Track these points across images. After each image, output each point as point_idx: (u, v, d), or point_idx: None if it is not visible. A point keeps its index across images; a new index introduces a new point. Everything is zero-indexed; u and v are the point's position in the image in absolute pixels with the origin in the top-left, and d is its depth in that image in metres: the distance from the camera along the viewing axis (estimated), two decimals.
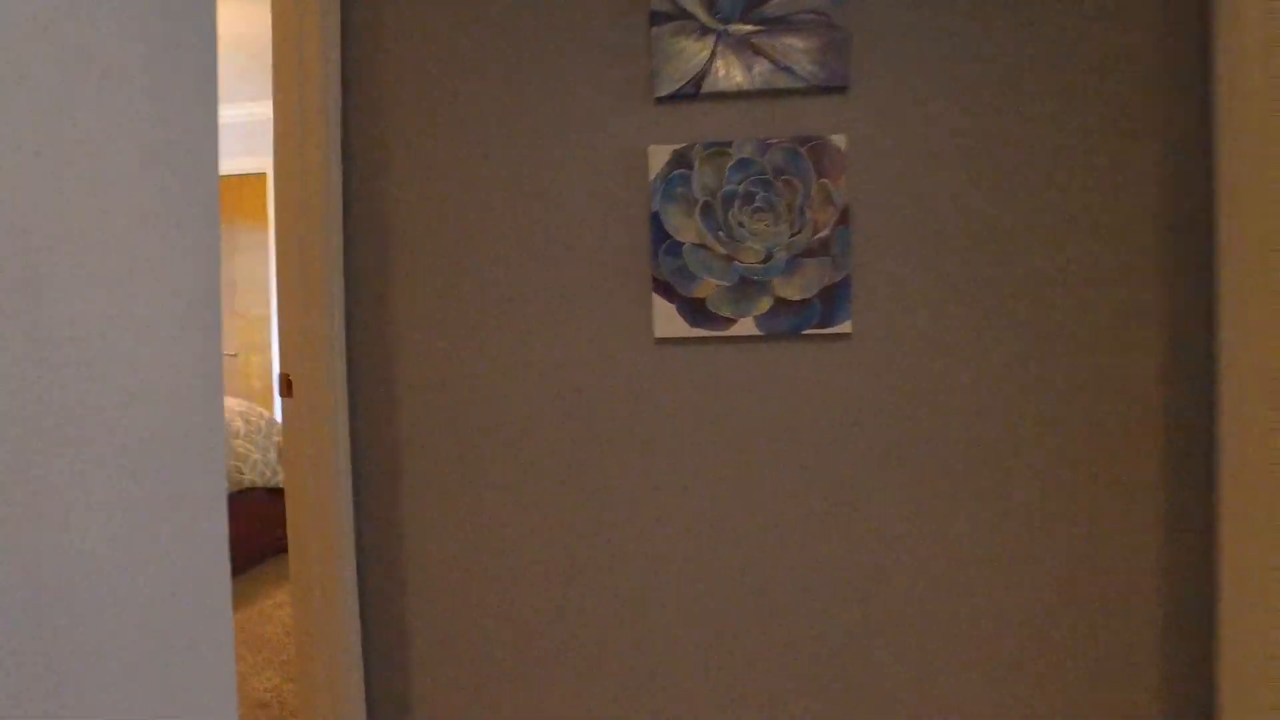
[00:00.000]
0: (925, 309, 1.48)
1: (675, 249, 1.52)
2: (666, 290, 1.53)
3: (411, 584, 1.65)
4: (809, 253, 1.49)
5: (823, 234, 1.48)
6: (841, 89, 1.49)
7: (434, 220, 1.62)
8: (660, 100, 1.54)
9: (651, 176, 1.52)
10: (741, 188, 1.50)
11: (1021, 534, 1.48)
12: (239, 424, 3.52)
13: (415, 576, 1.65)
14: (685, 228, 1.52)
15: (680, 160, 1.51)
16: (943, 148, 1.47)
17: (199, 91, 0.55)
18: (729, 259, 1.51)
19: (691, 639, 1.56)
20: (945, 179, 1.47)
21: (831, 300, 1.48)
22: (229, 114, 4.83)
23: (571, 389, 1.58)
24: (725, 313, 1.51)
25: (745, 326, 1.51)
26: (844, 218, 1.47)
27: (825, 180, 1.48)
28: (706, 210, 1.51)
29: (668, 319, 1.53)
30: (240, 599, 2.91)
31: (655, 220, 1.53)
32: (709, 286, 1.52)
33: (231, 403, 3.65)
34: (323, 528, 1.60)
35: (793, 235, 1.49)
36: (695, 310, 1.52)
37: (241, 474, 3.42)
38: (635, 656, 1.58)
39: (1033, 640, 1.48)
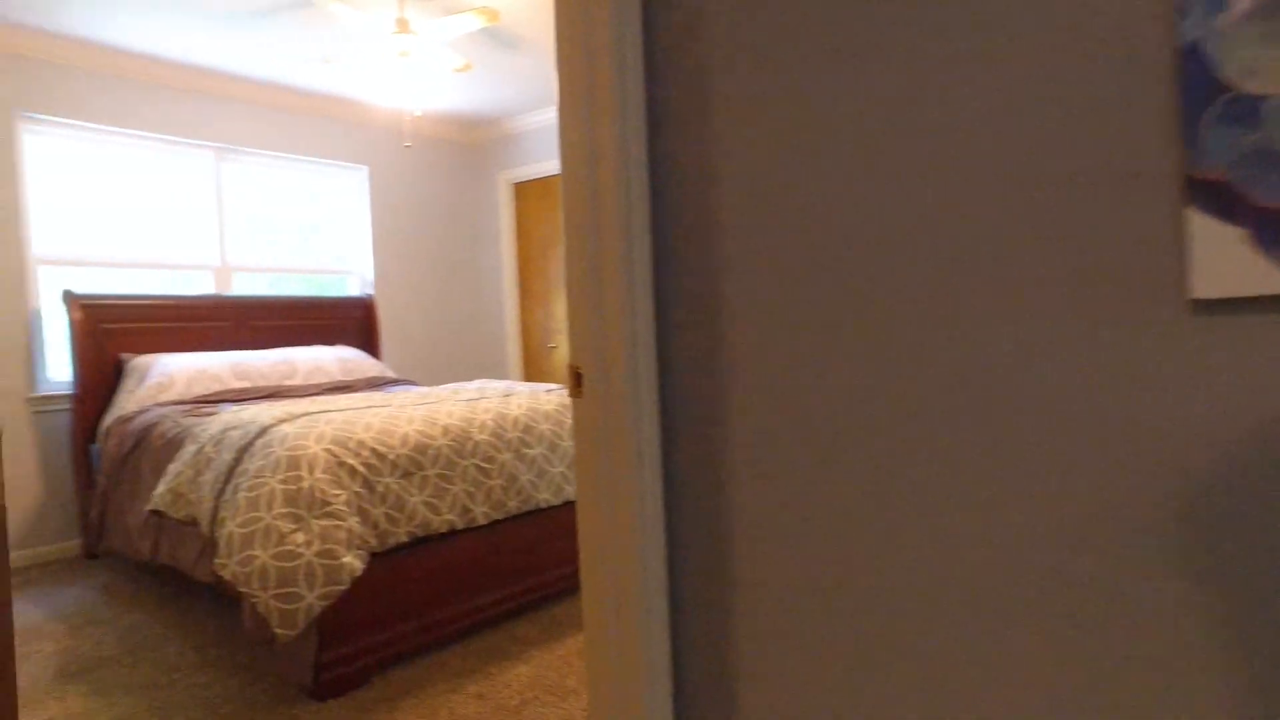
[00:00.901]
0: None
1: (1246, 111, 0.73)
2: (1221, 199, 0.75)
3: (740, 622, 1.15)
4: None
5: None
6: None
7: (775, 147, 1.07)
8: None
9: None
10: None
11: None
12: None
13: (746, 609, 1.15)
14: (1269, 64, 0.72)
15: None
16: None
17: None
18: None
19: None
20: None
21: None
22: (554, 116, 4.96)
23: (1008, 393, 0.90)
24: None
25: None
26: None
27: None
28: None
29: (1226, 257, 0.74)
30: (570, 626, 2.75)
31: (1192, 59, 0.76)
32: None
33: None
34: (621, 550, 1.19)
35: None
36: None
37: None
38: None
39: None
